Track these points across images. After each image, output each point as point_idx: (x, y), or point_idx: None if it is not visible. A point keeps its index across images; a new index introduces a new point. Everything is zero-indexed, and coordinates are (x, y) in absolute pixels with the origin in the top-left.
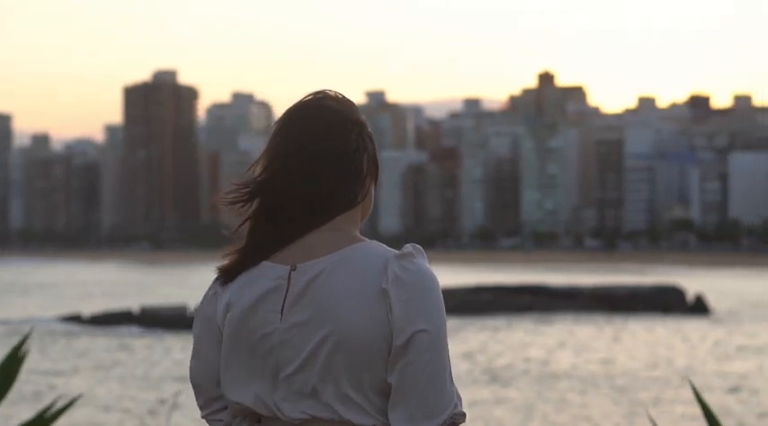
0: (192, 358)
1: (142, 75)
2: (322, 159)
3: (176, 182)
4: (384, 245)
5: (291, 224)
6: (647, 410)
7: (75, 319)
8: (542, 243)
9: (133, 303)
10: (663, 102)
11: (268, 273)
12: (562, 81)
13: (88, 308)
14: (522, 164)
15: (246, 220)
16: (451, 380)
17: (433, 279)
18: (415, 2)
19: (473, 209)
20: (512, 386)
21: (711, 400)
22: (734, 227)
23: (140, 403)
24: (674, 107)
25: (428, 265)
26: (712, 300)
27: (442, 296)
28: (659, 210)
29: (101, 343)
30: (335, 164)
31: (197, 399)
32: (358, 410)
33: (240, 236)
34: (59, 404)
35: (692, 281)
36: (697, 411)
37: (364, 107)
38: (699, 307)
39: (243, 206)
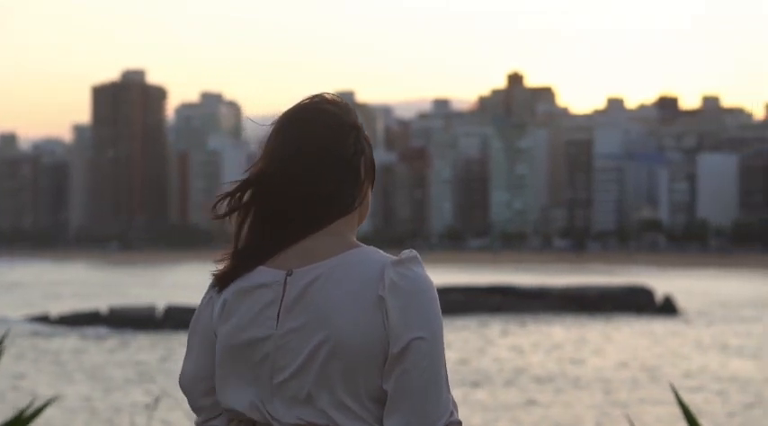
0: (185, 362)
1: (110, 74)
2: (320, 163)
3: (145, 182)
4: (381, 251)
5: (288, 228)
6: (627, 411)
7: (44, 319)
8: (511, 243)
9: (102, 303)
10: (631, 103)
11: (263, 278)
12: (531, 81)
13: (56, 308)
14: (492, 164)
15: (242, 224)
16: (448, 388)
17: (430, 286)
18: (384, 2)
19: (442, 210)
20: (482, 387)
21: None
22: (702, 228)
23: (110, 404)
24: (642, 108)
25: (425, 271)
26: (681, 301)
27: (438, 303)
28: (628, 211)
29: (69, 344)
30: (333, 167)
31: (190, 404)
32: (353, 417)
33: (232, 238)
34: (35, 405)
35: (661, 282)
36: (667, 410)
37: None
38: (667, 308)
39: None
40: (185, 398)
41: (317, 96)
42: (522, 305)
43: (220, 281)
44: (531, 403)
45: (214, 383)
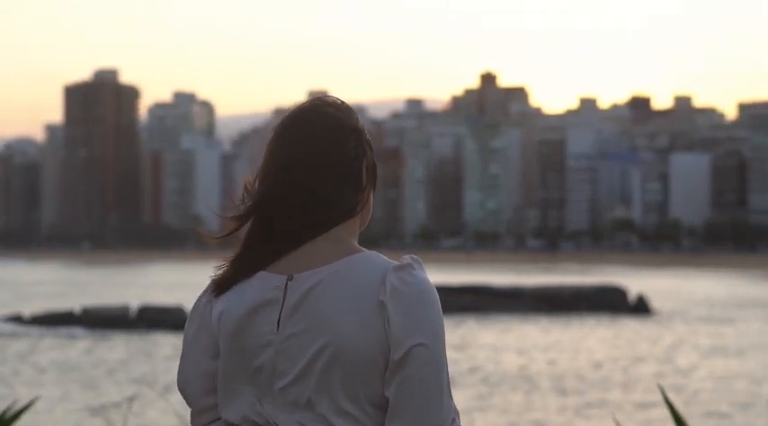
0: (182, 364)
1: (83, 74)
2: (320, 167)
3: (118, 182)
4: (383, 256)
5: (289, 233)
6: (613, 414)
7: (17, 319)
8: (485, 243)
9: (75, 303)
10: (604, 103)
11: (264, 283)
12: (504, 81)
13: (29, 309)
14: (465, 164)
15: (235, 230)
16: (449, 394)
17: (432, 292)
18: (358, 3)
19: (415, 209)
20: (455, 388)
21: (653, 399)
22: (675, 227)
23: (85, 404)
24: (615, 108)
25: (427, 276)
26: (654, 300)
27: (440, 308)
28: (601, 210)
29: (43, 344)
30: (334, 171)
31: (190, 406)
32: (354, 423)
33: (236, 241)
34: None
35: (634, 281)
36: (650, 412)
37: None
38: (641, 307)
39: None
40: (161, 398)
41: (317, 98)
42: (496, 304)
43: (219, 286)
44: (508, 404)
45: (215, 383)
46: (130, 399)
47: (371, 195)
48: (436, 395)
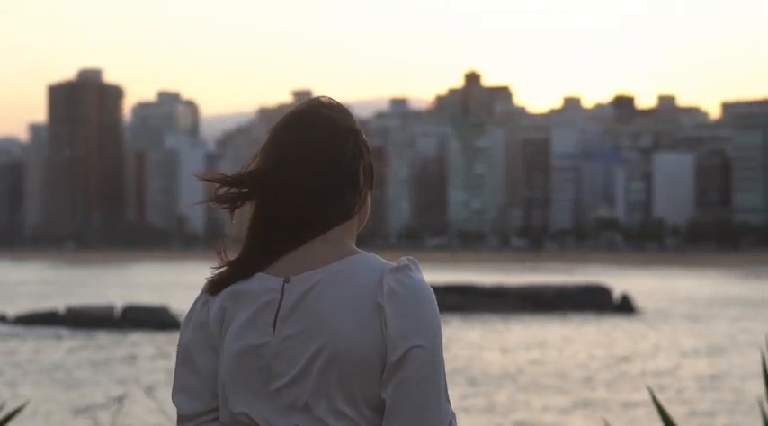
0: (180, 369)
1: (67, 74)
2: (317, 168)
3: (102, 182)
4: (380, 258)
5: (286, 235)
6: (603, 415)
7: (1, 320)
8: (469, 242)
9: (59, 303)
10: (588, 103)
11: (261, 285)
12: (488, 81)
13: (13, 308)
14: (449, 163)
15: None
16: (446, 397)
17: (429, 294)
18: (343, 3)
19: (400, 209)
20: None
21: (638, 399)
22: (658, 227)
23: (72, 405)
24: (599, 107)
25: (423, 278)
26: (638, 299)
27: (437, 310)
28: (585, 210)
29: (27, 345)
30: (331, 172)
31: (184, 410)
32: (351, 425)
33: (239, 240)
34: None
35: (618, 280)
36: (635, 411)
37: (290, 107)
38: (625, 307)
39: (232, 210)
40: (149, 397)
41: (313, 99)
42: (480, 304)
43: (215, 286)
44: (492, 404)
45: (215, 386)
46: (119, 399)
47: (369, 196)
48: (433, 398)
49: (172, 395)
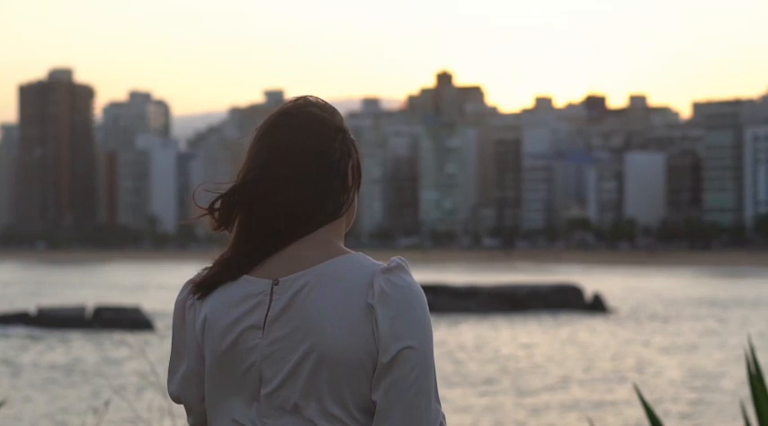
0: (173, 372)
1: (37, 73)
2: (305, 167)
3: (73, 182)
4: (370, 258)
5: (273, 236)
6: (588, 414)
7: None
8: (441, 242)
9: (30, 303)
10: (559, 102)
11: (249, 288)
12: (460, 81)
13: None
14: (421, 163)
15: (221, 219)
16: (437, 398)
17: (420, 295)
18: (314, 2)
19: (372, 209)
20: None
21: (614, 397)
22: (630, 226)
23: (47, 408)
24: (570, 107)
25: (414, 279)
26: (609, 298)
27: (428, 311)
28: (557, 209)
29: None
30: (319, 172)
31: (188, 418)
32: None
33: (225, 243)
34: None
35: (590, 280)
36: (617, 409)
37: (262, 106)
38: (597, 306)
39: (221, 214)
40: (123, 399)
41: (301, 98)
42: (453, 304)
43: (202, 289)
44: (467, 404)
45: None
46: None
47: (357, 196)
48: (424, 399)
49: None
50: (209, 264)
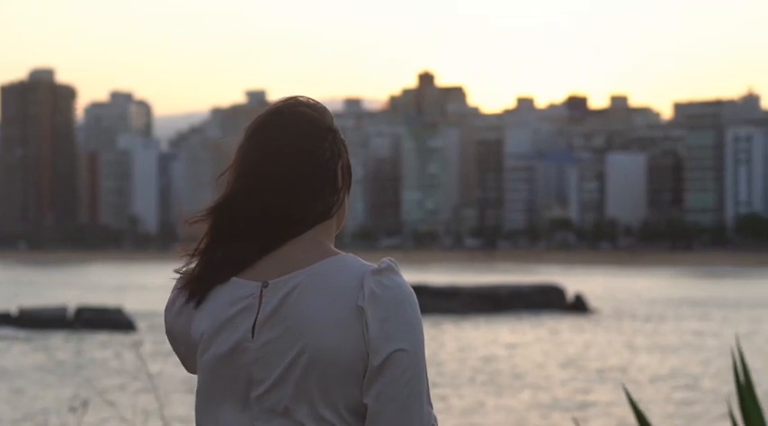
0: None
1: (19, 74)
2: (294, 168)
3: (54, 182)
4: (360, 259)
5: (263, 237)
6: (572, 415)
7: None
8: (423, 242)
9: (11, 304)
10: (541, 103)
11: (238, 291)
12: (442, 81)
13: None
14: (403, 163)
15: (208, 233)
16: (429, 400)
17: (411, 296)
18: (295, 2)
19: (354, 209)
20: None
21: (596, 397)
22: (611, 226)
23: (28, 409)
24: (552, 107)
25: (405, 280)
26: (591, 299)
27: (419, 313)
28: (538, 210)
29: None
30: (309, 172)
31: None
32: None
33: (195, 243)
34: None
35: (571, 280)
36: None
37: (244, 107)
38: (579, 306)
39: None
40: (104, 400)
41: (291, 98)
42: (434, 304)
43: (194, 293)
44: (448, 405)
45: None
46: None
47: (347, 197)
48: (416, 402)
49: None
50: (188, 261)
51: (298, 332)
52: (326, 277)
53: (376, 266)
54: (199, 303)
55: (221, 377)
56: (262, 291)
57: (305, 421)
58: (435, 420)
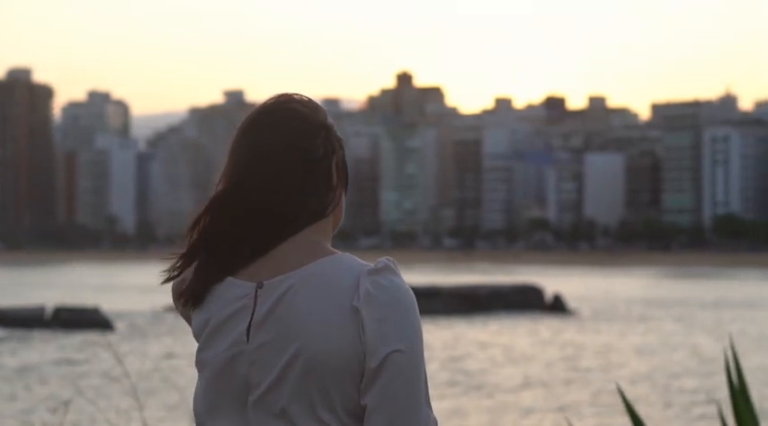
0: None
1: None
2: (287, 166)
3: (31, 182)
4: (357, 259)
5: (257, 237)
6: (567, 416)
7: None
8: (401, 242)
9: None
10: (519, 103)
11: (233, 292)
12: (420, 81)
13: None
14: (381, 164)
15: (198, 234)
16: (428, 402)
17: (409, 296)
18: (273, 1)
19: None
20: None
21: (578, 398)
22: (589, 227)
23: (1, 407)
24: (530, 108)
25: (403, 280)
26: (570, 299)
27: (418, 313)
28: (517, 210)
29: None
30: (302, 170)
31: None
32: None
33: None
34: None
35: (550, 281)
36: (589, 409)
37: (222, 106)
38: (557, 306)
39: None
40: (87, 401)
41: (282, 96)
42: None
43: (193, 297)
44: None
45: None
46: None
47: (343, 195)
48: (414, 404)
49: None
50: (175, 259)
51: (293, 334)
52: (322, 277)
53: (372, 266)
54: (196, 305)
55: (219, 381)
56: (257, 292)
57: (301, 423)
58: (436, 423)
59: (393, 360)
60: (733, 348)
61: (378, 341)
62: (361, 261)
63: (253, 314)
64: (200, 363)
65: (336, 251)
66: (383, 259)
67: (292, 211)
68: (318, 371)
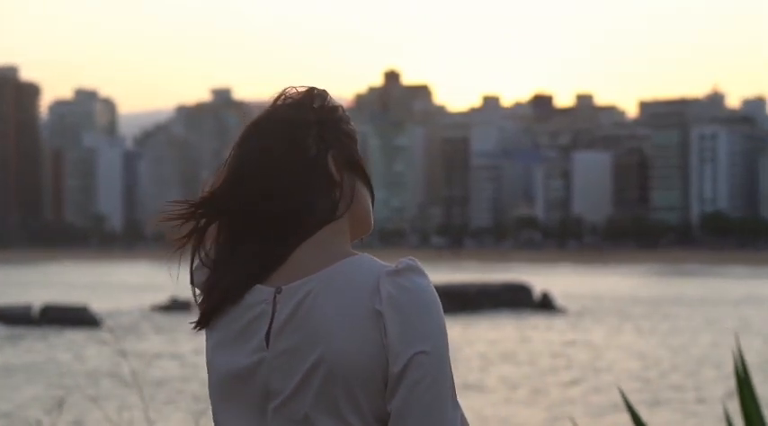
0: None
1: None
2: (281, 173)
3: (18, 180)
4: (376, 259)
5: (272, 244)
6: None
7: None
8: (389, 241)
9: None
10: (507, 101)
11: (251, 297)
12: (408, 79)
13: None
14: (369, 162)
15: (191, 237)
16: (455, 404)
17: (433, 297)
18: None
19: None
20: None
21: (570, 395)
22: (577, 225)
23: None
24: (517, 106)
25: (427, 281)
26: (558, 297)
27: (442, 314)
28: (504, 208)
29: None
30: (297, 174)
31: None
32: None
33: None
34: None
35: (538, 279)
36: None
37: (209, 104)
38: (546, 304)
39: (184, 223)
40: (84, 399)
41: (278, 97)
42: None
43: (208, 316)
44: None
45: None
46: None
47: (359, 189)
48: (439, 406)
49: None
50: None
51: (314, 340)
52: (341, 281)
53: (393, 266)
54: (209, 323)
55: (238, 391)
56: (275, 297)
57: None
58: (465, 422)
59: (418, 362)
60: (738, 345)
61: (401, 344)
62: (381, 262)
63: (272, 320)
64: (215, 369)
65: (355, 252)
66: (405, 259)
67: (296, 216)
68: (342, 376)
